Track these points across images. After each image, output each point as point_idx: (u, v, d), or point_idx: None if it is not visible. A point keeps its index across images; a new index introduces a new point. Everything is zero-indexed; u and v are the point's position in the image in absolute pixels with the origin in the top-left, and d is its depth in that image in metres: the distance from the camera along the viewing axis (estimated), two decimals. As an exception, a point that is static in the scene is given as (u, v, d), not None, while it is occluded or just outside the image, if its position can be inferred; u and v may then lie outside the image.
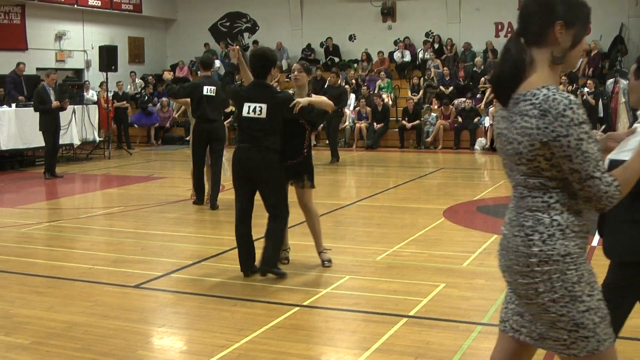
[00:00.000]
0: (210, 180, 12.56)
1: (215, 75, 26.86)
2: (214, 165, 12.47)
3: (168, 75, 12.80)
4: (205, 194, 12.70)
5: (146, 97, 27.01)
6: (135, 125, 25.95)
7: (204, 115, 12.17)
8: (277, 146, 7.78)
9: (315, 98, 8.02)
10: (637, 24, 25.05)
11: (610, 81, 22.68)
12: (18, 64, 21.17)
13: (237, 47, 8.59)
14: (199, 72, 27.88)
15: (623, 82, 22.16)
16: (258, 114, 7.67)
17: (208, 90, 12.19)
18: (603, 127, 6.24)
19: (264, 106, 7.66)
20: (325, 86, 21.96)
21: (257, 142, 7.67)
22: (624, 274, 4.45)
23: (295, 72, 8.20)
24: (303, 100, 7.72)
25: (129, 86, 27.95)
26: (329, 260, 8.28)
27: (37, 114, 16.98)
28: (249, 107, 7.71)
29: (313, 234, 8.32)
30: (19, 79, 21.12)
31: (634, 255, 4.40)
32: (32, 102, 17.75)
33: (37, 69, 24.11)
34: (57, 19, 26.50)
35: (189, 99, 12.48)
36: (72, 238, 10.47)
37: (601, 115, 21.90)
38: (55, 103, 16.79)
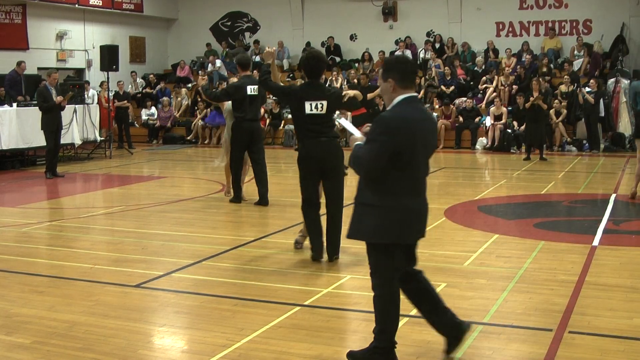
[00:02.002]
0: (258, 178, 12.60)
1: (216, 74, 26.99)
2: (259, 163, 12.58)
3: (202, 82, 12.87)
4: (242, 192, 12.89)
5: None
6: (207, 124, 25.42)
7: (246, 114, 12.28)
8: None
9: (356, 92, 8.91)
10: (638, 24, 25.03)
11: (611, 81, 22.67)
12: (19, 62, 21.18)
13: (274, 49, 9.07)
14: (200, 72, 28.00)
15: (624, 82, 22.16)
16: (320, 110, 8.44)
17: (252, 89, 12.30)
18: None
19: (325, 103, 8.45)
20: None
21: (325, 135, 8.48)
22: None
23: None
24: (351, 92, 8.71)
25: (129, 86, 27.97)
26: None
27: (39, 113, 16.99)
28: (311, 104, 8.42)
29: None
30: (18, 77, 21.13)
31: (359, 234, 5.27)
32: (33, 102, 17.75)
33: (38, 69, 24.13)
34: (58, 18, 26.50)
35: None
36: (73, 237, 10.47)
37: (602, 114, 21.88)
38: (58, 98, 16.80)
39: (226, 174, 13.18)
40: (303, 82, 9.02)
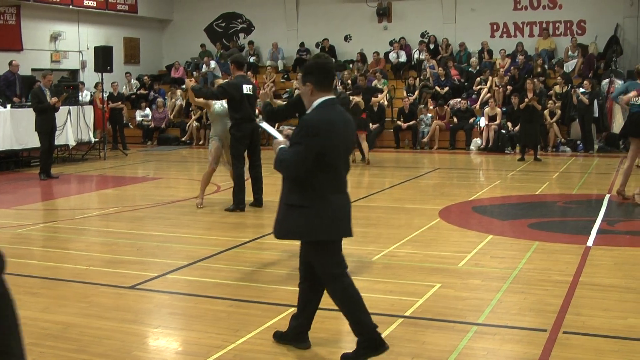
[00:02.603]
0: (255, 181, 12.43)
1: (211, 75, 26.97)
2: (257, 165, 12.41)
3: (192, 83, 12.47)
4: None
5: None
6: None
7: (247, 114, 12.04)
8: None
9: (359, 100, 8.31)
10: (632, 25, 25.10)
11: (605, 81, 22.72)
12: (11, 61, 21.16)
13: (269, 88, 8.63)
14: (194, 73, 27.99)
15: (618, 83, 22.19)
16: None
17: (247, 89, 12.04)
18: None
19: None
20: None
21: None
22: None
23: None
24: (356, 98, 8.16)
25: (124, 87, 27.94)
26: None
27: (33, 114, 16.96)
28: None
29: None
30: (13, 77, 21.09)
31: (291, 234, 5.57)
32: (27, 103, 17.73)
33: (33, 70, 24.13)
34: (53, 19, 26.50)
35: (210, 101, 12.31)
36: (67, 239, 10.46)
37: (596, 115, 21.92)
38: (53, 99, 16.78)
39: (203, 181, 12.76)
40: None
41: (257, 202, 12.38)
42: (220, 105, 12.31)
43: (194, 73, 28.06)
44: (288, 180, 5.45)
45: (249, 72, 27.96)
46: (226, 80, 13.58)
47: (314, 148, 5.21)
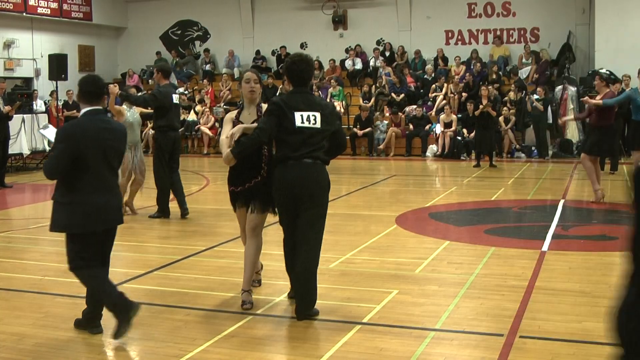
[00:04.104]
0: (176, 188, 12.41)
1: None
2: (177, 172, 12.43)
3: (115, 89, 12.26)
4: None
5: None
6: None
7: (172, 123, 12.13)
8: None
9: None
10: (584, 32, 25.44)
11: (558, 88, 22.99)
12: None
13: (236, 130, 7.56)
14: (150, 81, 27.82)
15: (571, 89, 22.49)
16: (313, 124, 6.74)
17: (175, 98, 12.14)
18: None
19: (317, 115, 6.76)
20: None
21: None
22: None
23: (251, 83, 7.24)
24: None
25: (79, 95, 27.67)
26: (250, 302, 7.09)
27: (-16, 124, 16.75)
28: (302, 116, 6.71)
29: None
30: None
31: (56, 227, 6.24)
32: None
33: (-15, 78, 23.81)
34: (5, 26, 26.17)
35: (124, 110, 12.22)
36: (21, 249, 10.33)
37: (550, 121, 22.18)
38: (6, 108, 16.59)
39: (131, 192, 12.68)
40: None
41: (183, 209, 12.39)
42: (132, 114, 12.32)
43: (149, 81, 27.88)
44: (58, 179, 6.12)
45: (204, 80, 28.06)
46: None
47: (66, 152, 5.91)
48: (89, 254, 6.23)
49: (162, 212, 12.40)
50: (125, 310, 6.09)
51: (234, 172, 7.12)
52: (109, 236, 6.42)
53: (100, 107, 6.24)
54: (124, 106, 12.34)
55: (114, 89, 12.11)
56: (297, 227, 6.77)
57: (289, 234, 6.91)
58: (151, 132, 25.08)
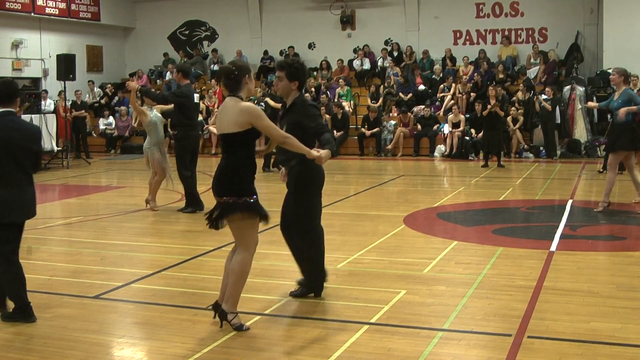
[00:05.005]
0: (190, 186, 12.61)
1: (174, 83, 26.84)
2: (194, 172, 12.62)
3: (132, 83, 12.42)
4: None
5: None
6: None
7: (195, 123, 12.30)
8: None
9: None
10: (592, 32, 25.38)
11: (567, 88, 22.92)
12: None
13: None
14: (158, 81, 27.84)
15: (579, 89, 22.43)
16: None
17: (196, 97, 12.32)
18: None
19: None
20: None
21: None
22: None
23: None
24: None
25: (87, 95, 27.74)
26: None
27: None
28: None
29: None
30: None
31: None
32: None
33: (-7, 78, 23.85)
34: (14, 27, 26.23)
35: (146, 110, 12.40)
36: (29, 249, 10.33)
37: (558, 121, 22.12)
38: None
39: (155, 188, 12.96)
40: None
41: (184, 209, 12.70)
42: (155, 114, 12.45)
43: (157, 81, 27.92)
44: None
45: (212, 80, 28.10)
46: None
47: None
48: None
49: (196, 206, 12.59)
50: (25, 310, 6.73)
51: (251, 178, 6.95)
52: (13, 231, 6.96)
53: (11, 109, 6.82)
54: (145, 107, 12.56)
55: (133, 84, 12.26)
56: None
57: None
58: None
